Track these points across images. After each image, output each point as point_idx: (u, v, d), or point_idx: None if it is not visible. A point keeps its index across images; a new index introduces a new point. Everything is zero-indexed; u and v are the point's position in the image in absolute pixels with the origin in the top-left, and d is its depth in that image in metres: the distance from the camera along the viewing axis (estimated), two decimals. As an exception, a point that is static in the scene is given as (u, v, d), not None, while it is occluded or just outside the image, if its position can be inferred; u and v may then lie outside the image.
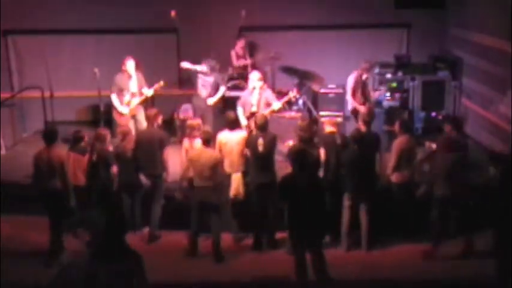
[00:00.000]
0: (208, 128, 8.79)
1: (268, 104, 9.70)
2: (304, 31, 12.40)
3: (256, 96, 9.77)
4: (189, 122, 9.22)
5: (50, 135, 8.33)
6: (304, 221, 7.04)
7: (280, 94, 10.41)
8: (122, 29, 12.29)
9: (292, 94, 10.03)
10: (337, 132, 8.86)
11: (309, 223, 7.04)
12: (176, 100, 11.46)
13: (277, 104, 9.68)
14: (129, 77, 10.24)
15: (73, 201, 8.12)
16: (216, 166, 8.26)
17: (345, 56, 11.98)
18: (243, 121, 9.68)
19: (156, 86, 10.26)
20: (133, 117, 10.29)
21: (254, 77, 9.80)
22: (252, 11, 11.51)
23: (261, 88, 9.79)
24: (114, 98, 10.19)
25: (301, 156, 7.27)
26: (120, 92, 10.19)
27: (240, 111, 9.78)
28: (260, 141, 8.40)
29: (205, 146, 8.36)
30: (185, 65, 10.42)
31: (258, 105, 9.73)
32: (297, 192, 7.05)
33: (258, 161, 8.44)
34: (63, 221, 8.21)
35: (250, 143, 8.53)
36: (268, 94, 9.84)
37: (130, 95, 10.20)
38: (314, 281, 7.29)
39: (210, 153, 8.31)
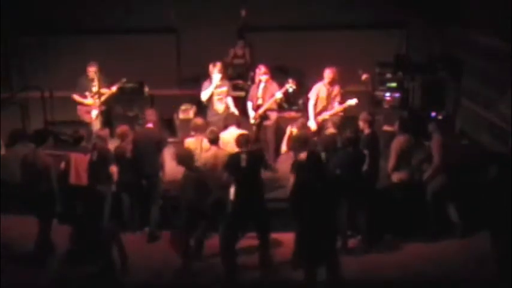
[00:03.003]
0: (214, 127, 8.75)
1: (273, 96, 10.11)
2: (305, 31, 12.41)
3: (262, 89, 10.21)
4: (193, 121, 9.17)
5: (37, 137, 8.48)
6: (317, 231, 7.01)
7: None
8: (122, 29, 12.30)
9: (289, 85, 10.10)
10: (339, 133, 8.84)
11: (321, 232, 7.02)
12: (176, 100, 11.46)
13: (278, 94, 10.05)
14: (92, 80, 10.63)
15: (60, 205, 8.19)
16: None
17: (345, 56, 11.98)
18: (252, 114, 10.19)
19: (119, 83, 10.72)
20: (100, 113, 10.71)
21: (260, 71, 10.24)
22: (252, 11, 11.52)
23: (266, 81, 10.17)
24: (77, 97, 10.70)
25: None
26: (82, 94, 10.69)
27: (249, 104, 10.26)
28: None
29: (214, 146, 8.34)
30: (205, 95, 10.04)
31: (264, 98, 10.18)
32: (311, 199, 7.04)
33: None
34: (50, 219, 8.28)
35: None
36: (274, 87, 10.18)
37: (92, 95, 10.64)
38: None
39: (221, 152, 8.29)
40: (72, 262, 8.03)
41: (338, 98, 10.06)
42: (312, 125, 10.01)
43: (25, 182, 8.31)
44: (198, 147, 8.75)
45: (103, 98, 10.69)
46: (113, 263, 6.76)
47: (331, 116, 10.02)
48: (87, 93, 10.66)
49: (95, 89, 10.65)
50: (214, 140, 8.38)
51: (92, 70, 10.57)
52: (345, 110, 10.07)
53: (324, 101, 10.08)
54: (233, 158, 7.95)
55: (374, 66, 11.54)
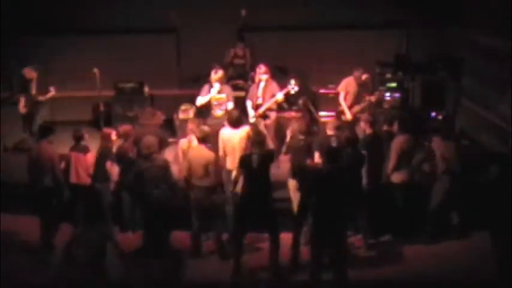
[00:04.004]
0: (205, 127, 8.76)
1: (273, 96, 10.10)
2: (304, 31, 12.40)
3: (262, 88, 10.20)
4: (188, 122, 9.19)
5: (42, 130, 8.55)
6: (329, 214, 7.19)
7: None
8: (122, 29, 12.30)
9: (292, 86, 10.11)
10: (335, 135, 8.83)
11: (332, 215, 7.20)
12: (176, 100, 11.45)
13: (279, 95, 10.04)
14: (30, 80, 10.66)
15: (66, 197, 8.29)
16: (209, 165, 8.22)
17: (345, 56, 11.98)
18: (251, 113, 10.15)
19: (48, 95, 10.68)
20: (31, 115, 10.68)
21: (260, 70, 10.23)
22: (252, 11, 11.52)
23: (267, 81, 10.17)
24: (21, 100, 10.74)
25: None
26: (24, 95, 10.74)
27: (248, 103, 10.24)
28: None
29: (201, 145, 8.34)
30: (200, 101, 9.97)
31: (264, 97, 10.18)
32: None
33: None
34: (52, 218, 8.35)
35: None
36: (274, 87, 10.18)
37: (31, 96, 10.65)
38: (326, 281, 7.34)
39: (203, 152, 8.27)
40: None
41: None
42: (348, 116, 10.25)
43: (31, 176, 8.35)
44: (187, 149, 8.76)
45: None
46: None
47: (362, 108, 10.17)
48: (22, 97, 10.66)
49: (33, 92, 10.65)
50: (203, 139, 8.36)
51: (28, 71, 10.57)
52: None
53: (353, 96, 10.28)
54: (245, 159, 7.95)
55: (374, 66, 11.55)
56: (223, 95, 9.95)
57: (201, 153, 8.26)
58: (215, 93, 9.83)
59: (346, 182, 7.48)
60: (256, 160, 7.83)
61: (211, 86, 9.90)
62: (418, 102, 11.45)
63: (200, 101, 9.97)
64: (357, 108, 10.26)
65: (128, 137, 8.82)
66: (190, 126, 8.83)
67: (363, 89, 10.37)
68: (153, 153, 8.23)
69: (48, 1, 12.14)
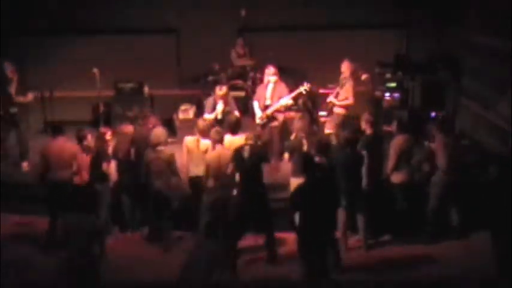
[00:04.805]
0: (218, 128, 8.75)
1: (282, 97, 10.02)
2: (304, 31, 12.42)
3: (270, 89, 10.07)
4: (198, 122, 9.16)
5: (57, 127, 8.62)
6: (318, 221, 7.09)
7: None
8: (122, 29, 12.31)
9: (303, 88, 10.09)
10: (335, 134, 8.83)
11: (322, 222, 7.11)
12: (176, 100, 11.48)
13: (284, 100, 9.93)
14: (10, 80, 10.12)
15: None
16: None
17: (345, 56, 11.97)
18: (258, 113, 10.02)
19: (28, 97, 10.13)
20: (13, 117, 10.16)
21: (269, 71, 10.11)
22: (252, 11, 11.53)
23: (275, 82, 10.07)
24: None
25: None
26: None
27: (255, 104, 10.13)
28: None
29: (220, 146, 8.35)
30: (208, 117, 9.72)
31: (272, 99, 10.06)
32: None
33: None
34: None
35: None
36: (282, 88, 10.09)
37: (10, 96, 10.07)
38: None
39: (225, 152, 8.28)
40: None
41: (350, 91, 10.15)
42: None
43: (45, 171, 8.37)
44: (195, 147, 8.77)
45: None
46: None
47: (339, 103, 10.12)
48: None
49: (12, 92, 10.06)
50: (219, 140, 8.39)
51: (10, 69, 10.09)
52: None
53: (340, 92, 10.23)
54: (238, 151, 8.01)
55: (374, 66, 11.56)
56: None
57: (223, 153, 8.27)
58: (221, 111, 9.81)
59: (334, 188, 7.48)
60: (248, 152, 7.87)
61: (215, 102, 9.85)
62: (418, 102, 11.43)
63: (208, 118, 9.91)
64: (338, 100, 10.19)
65: (124, 137, 8.81)
66: (199, 129, 8.81)
67: (347, 81, 10.20)
68: (160, 145, 8.28)
69: (48, 1, 12.16)
